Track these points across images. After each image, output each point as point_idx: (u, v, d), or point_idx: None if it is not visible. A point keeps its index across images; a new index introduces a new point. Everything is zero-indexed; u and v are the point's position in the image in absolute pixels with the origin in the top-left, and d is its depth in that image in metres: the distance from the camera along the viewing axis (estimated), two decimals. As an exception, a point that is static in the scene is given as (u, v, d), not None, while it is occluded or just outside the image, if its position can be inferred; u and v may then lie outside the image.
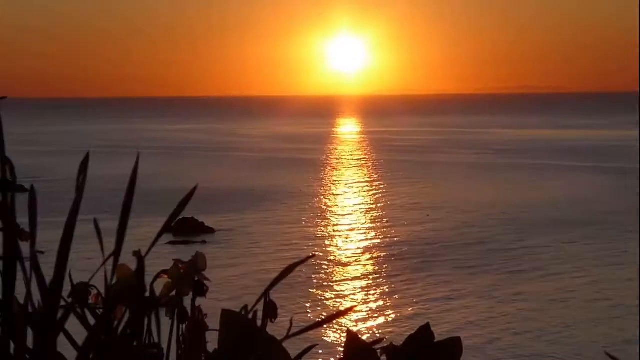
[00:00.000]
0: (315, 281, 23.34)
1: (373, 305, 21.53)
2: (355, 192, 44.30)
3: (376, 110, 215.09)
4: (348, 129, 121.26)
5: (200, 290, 2.11)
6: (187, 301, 2.12)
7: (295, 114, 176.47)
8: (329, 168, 57.14)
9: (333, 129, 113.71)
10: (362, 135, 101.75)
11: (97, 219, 1.83)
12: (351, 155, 70.10)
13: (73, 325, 1.79)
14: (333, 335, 17.63)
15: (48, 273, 1.70)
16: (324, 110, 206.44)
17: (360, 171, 55.98)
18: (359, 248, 28.79)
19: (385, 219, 34.87)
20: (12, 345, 1.70)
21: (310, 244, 28.89)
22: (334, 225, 33.20)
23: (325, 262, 25.87)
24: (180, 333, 2.10)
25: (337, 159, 64.78)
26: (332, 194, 43.22)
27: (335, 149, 76.23)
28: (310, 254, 1.86)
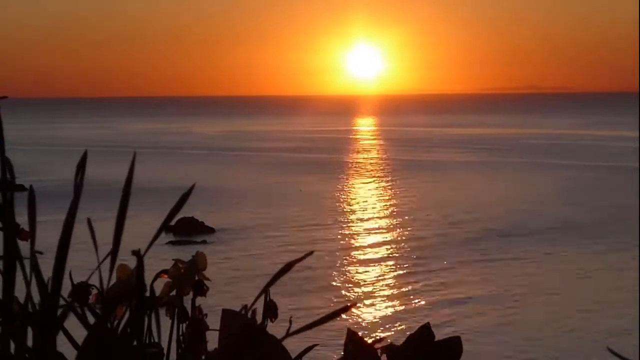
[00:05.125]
0: (314, 280, 23.33)
1: (373, 304, 21.53)
2: (355, 192, 44.30)
3: (384, 110, 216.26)
4: (354, 127, 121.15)
5: (201, 289, 2.11)
6: (187, 301, 2.12)
7: (313, 113, 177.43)
8: (330, 167, 57.10)
9: (337, 128, 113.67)
10: (365, 135, 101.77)
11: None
12: (353, 154, 70.10)
13: (73, 325, 1.79)
14: (333, 335, 17.62)
15: (48, 272, 1.70)
16: (337, 109, 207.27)
17: (362, 170, 55.96)
18: (359, 247, 28.79)
19: (385, 218, 34.87)
20: (12, 345, 1.70)
21: (311, 243, 28.89)
22: (335, 224, 33.19)
23: (326, 261, 25.85)
24: (180, 333, 2.10)
25: (338, 159, 64.75)
26: (332, 193, 43.19)
27: (338, 148, 76.19)
28: (309, 251, 1.86)
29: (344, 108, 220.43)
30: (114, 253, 1.72)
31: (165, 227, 1.75)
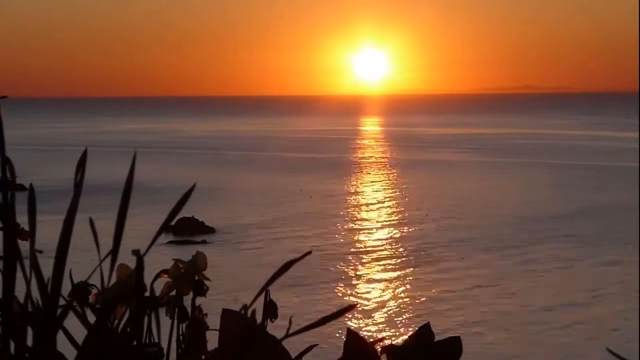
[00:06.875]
0: (314, 279, 23.33)
1: (373, 304, 21.54)
2: (355, 191, 44.30)
3: (387, 110, 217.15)
4: (356, 127, 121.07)
5: (201, 289, 2.11)
6: (187, 301, 2.12)
7: (318, 113, 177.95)
8: (330, 167, 57.11)
9: (341, 128, 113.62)
10: (367, 134, 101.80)
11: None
12: (355, 154, 70.08)
13: (73, 325, 1.79)
14: (333, 335, 17.63)
15: (48, 272, 1.70)
16: (343, 109, 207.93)
17: (362, 170, 55.96)
18: (358, 246, 28.79)
19: (385, 218, 34.87)
20: (12, 344, 1.70)
21: (311, 242, 28.89)
22: (334, 223, 33.19)
23: (325, 260, 25.85)
24: (180, 333, 2.10)
25: (339, 158, 64.75)
26: (332, 192, 43.19)
27: (340, 147, 76.17)
28: (307, 251, 1.86)
29: (350, 108, 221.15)
30: (114, 253, 1.72)
31: (165, 226, 1.75)
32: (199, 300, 2.12)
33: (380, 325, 19.72)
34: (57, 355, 1.70)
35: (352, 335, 2.25)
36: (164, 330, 2.00)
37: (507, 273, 24.66)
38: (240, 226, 32.27)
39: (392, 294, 22.61)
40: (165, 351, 1.98)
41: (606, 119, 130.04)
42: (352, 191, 44.40)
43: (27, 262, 1.72)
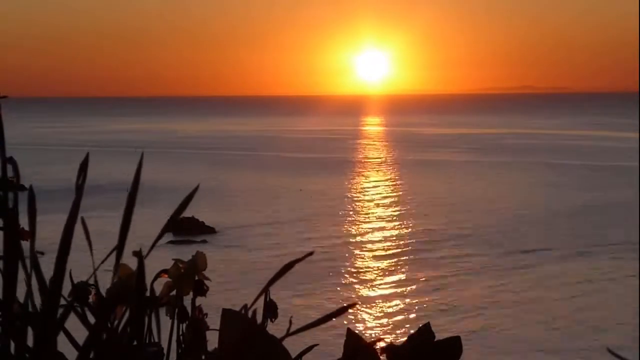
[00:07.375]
0: (314, 279, 23.33)
1: (373, 304, 21.54)
2: (354, 191, 44.30)
3: (388, 110, 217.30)
4: (355, 128, 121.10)
5: (201, 289, 2.11)
6: (187, 301, 2.12)
7: (321, 113, 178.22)
8: (329, 167, 57.10)
9: (340, 128, 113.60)
10: (367, 134, 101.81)
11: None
12: (354, 154, 70.08)
13: (73, 325, 1.80)
14: (333, 335, 17.63)
15: (49, 272, 1.70)
16: (344, 109, 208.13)
17: (361, 170, 55.96)
18: (359, 246, 28.79)
19: (385, 217, 34.86)
20: (13, 345, 1.70)
21: (312, 242, 28.89)
22: (335, 223, 33.18)
23: (326, 260, 25.85)
24: (180, 333, 2.10)
25: (338, 158, 64.75)
26: (332, 192, 43.19)
27: (339, 147, 76.17)
28: (309, 252, 1.88)
29: (351, 108, 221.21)
30: (118, 253, 1.72)
31: (168, 228, 1.75)
32: (199, 300, 2.13)
33: (380, 324, 19.72)
34: (57, 355, 1.71)
35: (352, 335, 2.26)
36: (164, 330, 2.01)
37: (505, 272, 24.68)
38: (240, 226, 32.25)
39: (391, 294, 22.60)
40: (165, 351, 1.98)
41: (606, 119, 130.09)
42: (353, 191, 44.40)
43: (27, 263, 1.72)
